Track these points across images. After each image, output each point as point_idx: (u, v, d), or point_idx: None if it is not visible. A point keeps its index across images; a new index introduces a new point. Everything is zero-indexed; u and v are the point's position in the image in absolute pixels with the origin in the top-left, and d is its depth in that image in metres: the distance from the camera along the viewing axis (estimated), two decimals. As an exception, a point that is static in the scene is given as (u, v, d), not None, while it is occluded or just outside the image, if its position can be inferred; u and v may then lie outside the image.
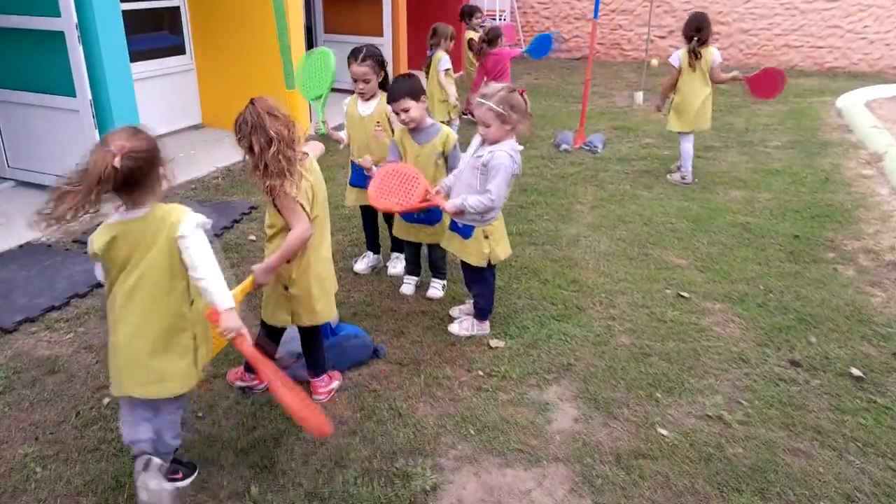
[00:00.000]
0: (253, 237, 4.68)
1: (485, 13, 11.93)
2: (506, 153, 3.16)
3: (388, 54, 9.16)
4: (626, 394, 3.04)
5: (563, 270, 4.20)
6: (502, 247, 3.42)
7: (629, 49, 12.88)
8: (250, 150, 2.51)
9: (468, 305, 3.69)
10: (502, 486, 2.52)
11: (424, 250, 3.97)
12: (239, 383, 3.04)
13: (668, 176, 5.96)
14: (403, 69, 9.31)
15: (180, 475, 2.49)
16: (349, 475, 2.55)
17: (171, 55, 7.20)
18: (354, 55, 3.74)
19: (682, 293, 3.92)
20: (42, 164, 5.39)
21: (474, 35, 7.85)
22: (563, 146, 6.88)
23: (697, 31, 5.54)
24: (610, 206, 5.32)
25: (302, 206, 2.60)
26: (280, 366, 3.07)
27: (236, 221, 4.93)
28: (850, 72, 11.47)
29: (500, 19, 12.55)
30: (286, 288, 2.77)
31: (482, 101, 3.14)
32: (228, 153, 6.11)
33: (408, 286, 3.96)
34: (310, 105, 4.13)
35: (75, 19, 4.72)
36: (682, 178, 5.85)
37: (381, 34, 9.07)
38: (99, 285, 3.98)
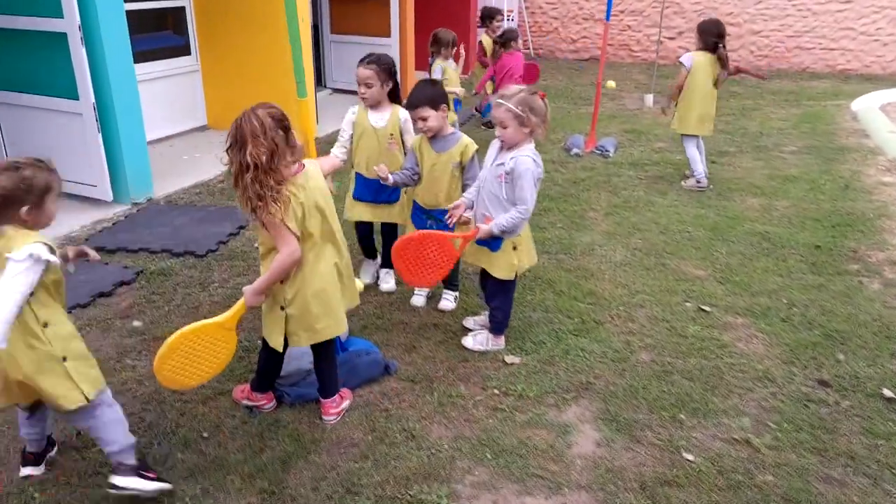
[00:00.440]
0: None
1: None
2: (528, 157, 3.04)
3: (395, 55, 9.03)
4: (649, 415, 2.92)
5: (579, 281, 4.07)
6: (527, 256, 3.30)
7: (638, 50, 12.75)
8: (231, 164, 2.38)
9: (483, 317, 3.57)
10: (522, 516, 2.40)
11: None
12: (245, 402, 2.92)
13: (683, 183, 5.83)
14: (411, 70, 9.19)
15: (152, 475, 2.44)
16: (361, 502, 2.43)
17: (176, 56, 7.09)
18: (362, 59, 3.63)
19: (703, 306, 3.80)
20: (44, 168, 5.28)
21: (487, 39, 7.70)
22: (574, 150, 6.76)
23: (720, 36, 5.51)
24: (624, 212, 5.19)
25: (289, 227, 2.42)
26: (289, 382, 2.98)
27: (242, 228, 4.82)
28: (862, 74, 11.32)
29: (507, 20, 12.42)
30: (283, 308, 2.62)
31: (501, 101, 3.03)
32: (234, 156, 6.00)
33: (419, 297, 3.84)
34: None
35: (78, 20, 4.61)
36: (697, 182, 5.71)
37: (388, 35, 8.95)
38: (101, 294, 3.89)
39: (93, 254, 2.54)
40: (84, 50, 4.68)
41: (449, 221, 3.23)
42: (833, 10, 11.49)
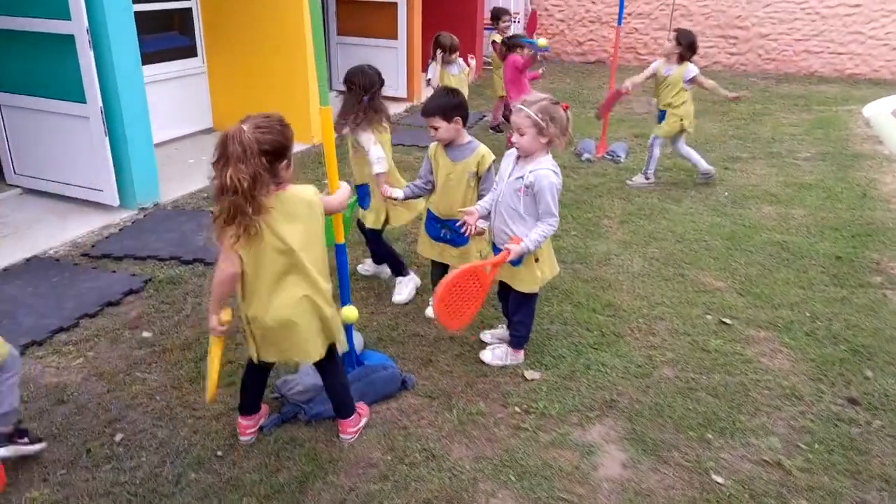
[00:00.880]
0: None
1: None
2: (549, 170, 2.95)
3: (402, 57, 8.97)
4: (675, 435, 2.83)
5: (597, 292, 3.99)
6: (549, 266, 3.22)
7: (645, 53, 12.65)
8: (214, 178, 2.24)
9: (500, 330, 3.49)
10: (549, 542, 2.32)
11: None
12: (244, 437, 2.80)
13: (628, 181, 5.97)
14: (418, 73, 9.11)
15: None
16: (382, 527, 2.35)
17: (182, 57, 7.01)
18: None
19: (724, 319, 3.71)
20: (49, 172, 5.21)
21: (499, 38, 7.63)
22: (585, 155, 6.67)
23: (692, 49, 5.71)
24: (639, 220, 5.11)
25: (235, 250, 2.29)
26: (305, 399, 2.89)
27: (251, 234, 4.73)
28: (871, 79, 11.23)
29: (514, 22, 12.33)
30: (248, 323, 2.48)
31: (522, 107, 2.95)
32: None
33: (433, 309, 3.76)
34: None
35: (86, 22, 4.52)
36: (647, 179, 5.92)
37: (395, 37, 8.87)
38: (109, 304, 3.80)
39: None
40: (92, 52, 4.59)
41: (463, 230, 3.14)
42: (842, 13, 11.39)
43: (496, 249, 3.18)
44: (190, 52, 7.09)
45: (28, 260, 4.30)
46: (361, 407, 2.88)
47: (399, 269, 3.98)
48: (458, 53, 6.40)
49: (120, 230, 4.78)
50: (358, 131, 3.66)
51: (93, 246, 4.51)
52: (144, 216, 5.03)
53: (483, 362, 3.30)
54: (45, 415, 2.91)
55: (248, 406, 2.75)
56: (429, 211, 3.58)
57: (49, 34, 4.67)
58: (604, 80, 10.52)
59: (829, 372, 3.26)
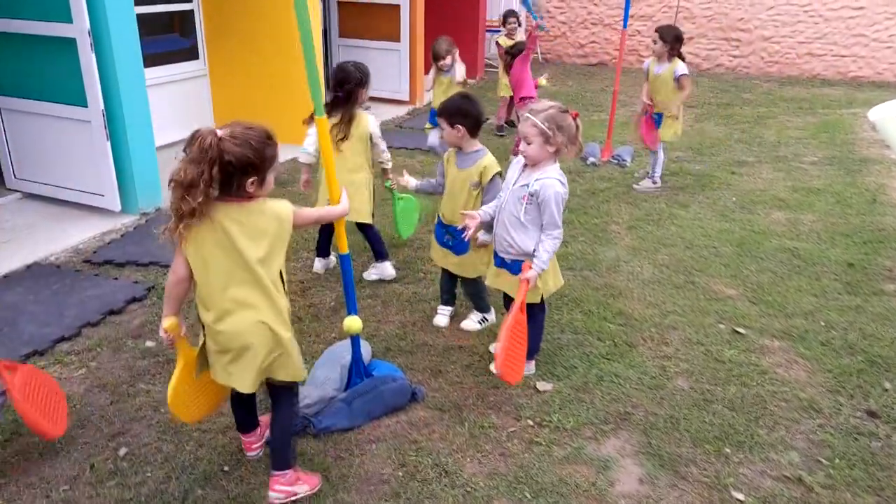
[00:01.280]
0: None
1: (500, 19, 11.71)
2: (555, 180, 2.89)
3: (405, 60, 8.91)
4: (693, 449, 2.77)
5: (607, 300, 3.93)
6: (553, 277, 3.16)
7: (647, 55, 12.59)
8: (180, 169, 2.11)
9: (510, 341, 3.42)
10: (567, 562, 2.26)
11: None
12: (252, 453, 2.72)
13: (635, 186, 5.93)
14: (420, 76, 9.05)
15: None
16: (395, 547, 2.29)
17: (183, 60, 6.94)
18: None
19: (737, 328, 3.65)
20: (50, 176, 5.14)
21: (504, 41, 7.55)
22: (591, 159, 6.62)
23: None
24: (647, 226, 5.05)
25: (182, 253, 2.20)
26: (313, 411, 2.82)
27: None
28: (874, 81, 11.20)
29: (519, 25, 12.26)
30: (203, 328, 2.33)
31: (529, 115, 2.89)
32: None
33: (442, 317, 3.70)
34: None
35: (88, 25, 4.46)
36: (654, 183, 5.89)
37: (398, 39, 8.81)
38: (112, 312, 3.73)
39: None
40: (93, 56, 4.52)
41: (463, 235, 3.13)
42: (845, 16, 11.36)
43: (497, 257, 3.13)
44: (191, 54, 7.02)
45: (28, 266, 4.23)
46: (308, 476, 2.51)
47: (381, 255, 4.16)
48: (452, 57, 6.12)
49: (122, 236, 4.71)
50: None
51: (94, 252, 4.44)
52: (147, 221, 4.97)
53: (494, 374, 3.24)
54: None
55: (243, 424, 2.64)
56: (438, 215, 3.55)
57: (50, 37, 4.61)
58: (606, 83, 10.47)
59: (846, 383, 3.20)
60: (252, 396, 2.53)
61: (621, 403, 3.04)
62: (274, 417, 2.48)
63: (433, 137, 6.05)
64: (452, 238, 3.44)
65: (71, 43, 4.53)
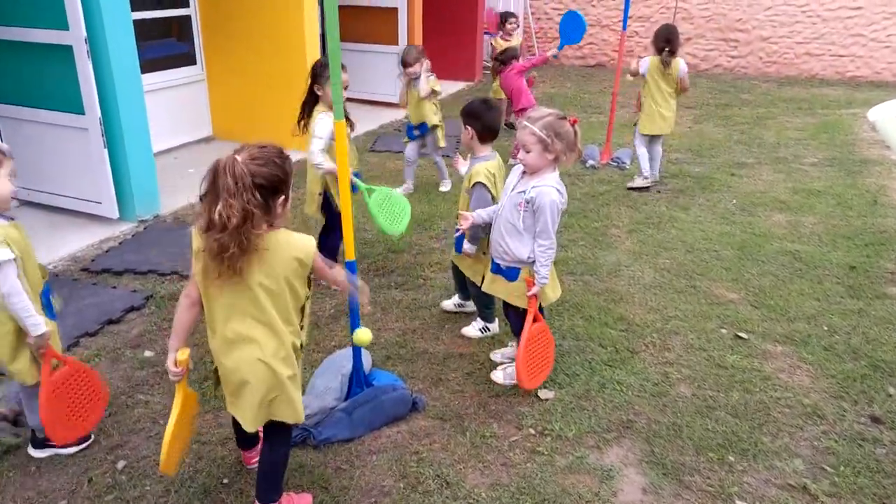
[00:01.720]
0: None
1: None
2: (552, 188, 2.87)
3: (403, 63, 8.87)
4: (696, 457, 2.75)
5: (608, 305, 3.91)
6: (552, 286, 3.13)
7: (645, 56, 12.59)
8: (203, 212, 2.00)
9: (511, 349, 3.40)
10: (571, 575, 2.23)
11: None
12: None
13: (629, 184, 5.96)
14: (419, 78, 9.03)
15: None
16: (397, 560, 2.26)
17: (181, 65, 6.92)
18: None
19: (740, 333, 3.63)
20: (47, 184, 5.11)
21: (499, 43, 7.53)
22: (590, 162, 6.60)
23: (667, 42, 5.63)
24: (647, 229, 5.03)
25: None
26: (313, 422, 2.79)
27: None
28: (872, 81, 11.18)
29: (517, 27, 12.25)
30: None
31: (527, 123, 2.87)
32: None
33: (447, 301, 3.87)
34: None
35: (84, 32, 4.43)
36: (644, 177, 5.89)
37: (395, 43, 8.78)
38: (110, 321, 3.71)
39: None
40: (90, 63, 4.50)
41: (456, 232, 3.31)
42: (843, 16, 11.34)
43: (494, 263, 3.11)
44: (189, 59, 7.00)
45: (26, 276, 4.20)
46: (300, 497, 2.46)
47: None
48: (421, 65, 5.43)
49: (120, 243, 4.69)
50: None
51: (92, 260, 4.42)
52: (145, 229, 4.94)
53: (495, 382, 3.21)
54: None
55: (243, 441, 2.60)
56: None
57: (47, 44, 4.58)
58: (605, 85, 10.46)
59: (850, 389, 3.18)
60: None
61: (623, 411, 3.02)
62: (264, 450, 2.34)
63: (409, 150, 5.73)
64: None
65: (67, 50, 4.50)
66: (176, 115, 6.85)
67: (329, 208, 3.96)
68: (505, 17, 7.71)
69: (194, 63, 7.04)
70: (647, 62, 5.75)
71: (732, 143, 7.41)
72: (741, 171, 6.46)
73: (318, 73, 3.76)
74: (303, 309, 2.21)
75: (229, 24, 6.76)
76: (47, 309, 2.62)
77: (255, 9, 6.55)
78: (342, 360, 3.06)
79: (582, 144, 3.01)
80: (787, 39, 11.77)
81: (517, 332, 3.24)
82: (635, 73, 5.86)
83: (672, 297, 4.03)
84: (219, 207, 1.93)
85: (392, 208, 3.77)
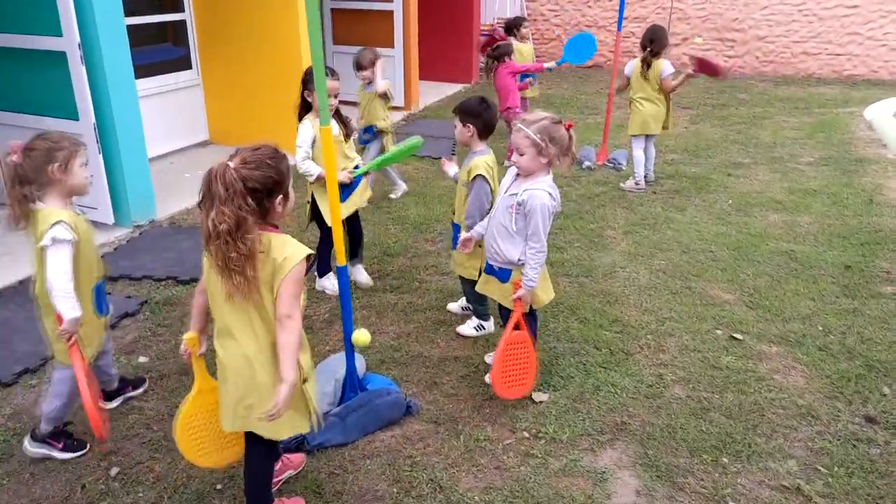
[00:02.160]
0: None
1: (495, 21, 11.68)
2: (544, 191, 2.86)
3: (399, 65, 8.88)
4: (690, 459, 2.74)
5: (603, 307, 3.91)
6: (544, 289, 3.13)
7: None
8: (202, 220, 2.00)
9: (505, 351, 3.40)
10: (564, 579, 2.23)
11: None
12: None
13: (622, 184, 6.01)
14: (414, 81, 9.05)
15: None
16: (390, 565, 2.26)
17: (176, 70, 6.92)
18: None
19: (735, 334, 3.63)
20: (43, 190, 5.10)
21: (520, 47, 7.43)
22: (586, 163, 6.60)
23: (650, 42, 5.69)
24: (643, 231, 5.03)
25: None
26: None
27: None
28: (869, 80, 11.18)
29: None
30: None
31: (521, 126, 2.87)
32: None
33: (454, 303, 3.90)
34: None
35: (78, 38, 4.43)
36: (636, 183, 5.92)
37: (391, 45, 8.79)
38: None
39: None
40: (84, 69, 4.50)
41: (458, 249, 3.32)
42: (839, 14, 11.35)
43: (488, 266, 3.12)
44: (184, 64, 7.00)
45: (21, 282, 4.19)
46: (292, 502, 2.48)
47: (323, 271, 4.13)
48: (372, 69, 5.34)
49: (115, 249, 4.69)
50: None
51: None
52: (140, 234, 4.94)
53: (489, 385, 3.21)
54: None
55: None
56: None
57: (40, 51, 4.59)
58: (601, 86, 10.46)
59: (844, 389, 3.18)
60: None
61: (618, 413, 3.01)
62: (245, 461, 2.32)
63: (372, 154, 5.55)
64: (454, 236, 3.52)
65: (61, 56, 4.51)
66: (172, 120, 6.85)
67: (319, 216, 3.92)
68: (518, 22, 7.56)
69: (190, 68, 7.05)
70: (632, 64, 5.83)
71: (729, 143, 7.41)
72: (737, 171, 6.46)
73: (308, 79, 3.76)
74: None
75: (225, 29, 6.77)
76: (98, 305, 2.68)
77: (250, 13, 6.55)
78: (336, 365, 3.06)
79: (576, 148, 3.01)
80: (783, 39, 11.77)
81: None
82: (622, 88, 6.05)
83: (667, 298, 4.03)
84: (212, 215, 1.94)
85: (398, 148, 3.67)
